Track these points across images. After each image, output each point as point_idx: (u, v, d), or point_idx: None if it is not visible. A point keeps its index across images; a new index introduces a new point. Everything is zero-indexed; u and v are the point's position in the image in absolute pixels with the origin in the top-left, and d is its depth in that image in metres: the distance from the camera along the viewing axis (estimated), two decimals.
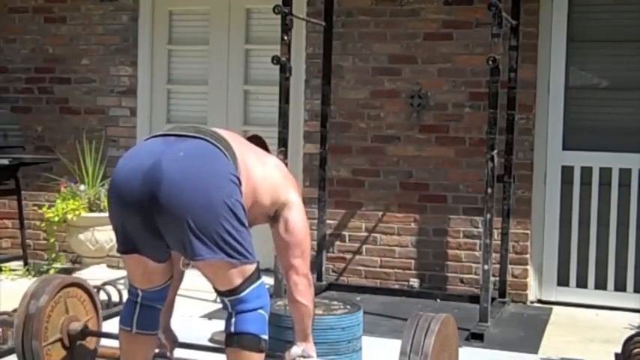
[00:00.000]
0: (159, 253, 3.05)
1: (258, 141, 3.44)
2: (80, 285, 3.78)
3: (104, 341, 3.87)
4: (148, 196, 2.87)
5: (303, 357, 3.30)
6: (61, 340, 3.62)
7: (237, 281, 2.95)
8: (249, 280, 2.97)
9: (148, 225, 2.92)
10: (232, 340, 2.98)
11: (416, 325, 3.03)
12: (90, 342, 3.77)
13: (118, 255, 3.16)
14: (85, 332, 3.69)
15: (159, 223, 2.90)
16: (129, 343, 3.23)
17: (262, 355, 3.01)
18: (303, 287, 3.25)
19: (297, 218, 3.24)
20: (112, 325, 4.86)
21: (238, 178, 2.96)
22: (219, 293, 3.01)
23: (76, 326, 3.67)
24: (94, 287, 5.02)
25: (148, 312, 3.21)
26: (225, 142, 3.03)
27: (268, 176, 3.18)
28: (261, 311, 3.00)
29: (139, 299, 3.19)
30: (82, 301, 3.77)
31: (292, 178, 3.36)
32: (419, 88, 6.13)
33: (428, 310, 5.52)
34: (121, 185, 2.96)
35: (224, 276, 2.94)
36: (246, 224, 2.97)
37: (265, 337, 3.01)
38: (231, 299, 2.97)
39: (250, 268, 2.97)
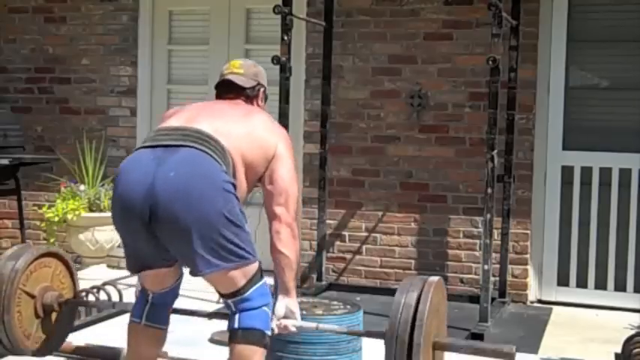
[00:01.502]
0: (167, 261, 3.11)
1: (231, 88, 3.41)
2: (57, 255, 3.73)
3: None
4: (148, 218, 2.94)
5: (287, 317, 3.19)
6: (35, 310, 3.56)
7: (241, 283, 2.99)
8: (252, 280, 3.01)
9: (152, 240, 2.99)
10: (237, 335, 3.01)
11: (407, 292, 2.96)
12: (65, 314, 3.70)
13: (118, 255, 3.19)
14: (60, 303, 3.62)
15: (162, 239, 2.98)
16: (136, 336, 3.29)
17: (265, 352, 3.04)
18: (285, 236, 3.11)
19: (283, 169, 3.16)
20: (113, 325, 4.88)
21: (232, 183, 2.98)
22: (223, 296, 3.05)
23: (50, 296, 3.60)
24: (94, 287, 5.07)
25: (158, 308, 3.28)
26: (212, 142, 3.02)
27: (256, 139, 3.14)
28: (265, 308, 3.04)
29: (149, 298, 3.27)
30: (57, 272, 3.70)
31: (279, 131, 3.29)
32: (419, 88, 6.12)
33: None
34: (121, 205, 3.02)
35: (228, 280, 2.99)
36: (244, 225, 3.00)
37: (269, 333, 3.05)
38: (234, 300, 3.01)
39: (252, 268, 3.02)
